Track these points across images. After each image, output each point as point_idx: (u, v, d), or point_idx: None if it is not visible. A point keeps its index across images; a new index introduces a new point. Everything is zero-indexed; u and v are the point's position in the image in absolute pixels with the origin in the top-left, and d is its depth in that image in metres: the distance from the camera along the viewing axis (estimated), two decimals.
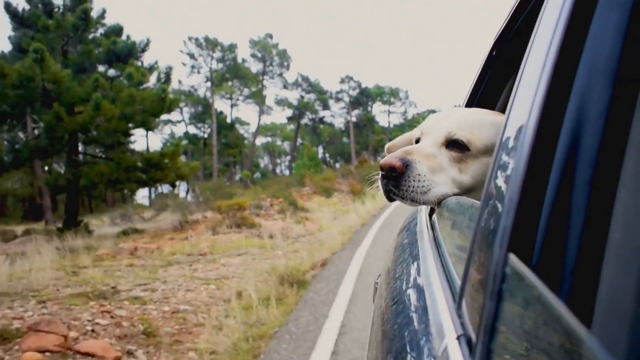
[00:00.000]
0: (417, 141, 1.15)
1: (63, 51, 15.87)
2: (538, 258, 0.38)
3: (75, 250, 9.96)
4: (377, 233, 10.04)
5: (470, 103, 1.63)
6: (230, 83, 41.28)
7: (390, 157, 1.04)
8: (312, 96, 48.38)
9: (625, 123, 0.34)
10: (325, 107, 50.09)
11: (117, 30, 16.33)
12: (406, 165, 1.02)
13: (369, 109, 51.97)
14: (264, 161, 62.02)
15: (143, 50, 17.00)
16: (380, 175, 1.06)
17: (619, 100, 0.36)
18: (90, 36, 15.97)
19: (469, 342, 0.48)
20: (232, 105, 43.80)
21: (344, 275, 6.17)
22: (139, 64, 15.59)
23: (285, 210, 13.58)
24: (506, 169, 0.50)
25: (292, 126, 51.60)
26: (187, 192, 29.88)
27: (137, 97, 13.51)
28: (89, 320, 4.43)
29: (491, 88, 1.64)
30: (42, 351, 3.70)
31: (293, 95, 50.18)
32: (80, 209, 20.38)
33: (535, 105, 0.45)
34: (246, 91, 43.68)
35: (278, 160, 62.04)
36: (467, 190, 1.04)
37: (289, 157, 54.27)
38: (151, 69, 16.41)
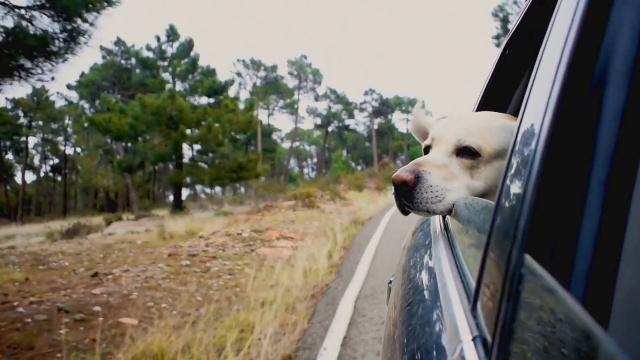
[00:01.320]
0: (427, 149, 1.15)
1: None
2: (554, 259, 0.37)
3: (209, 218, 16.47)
4: (396, 211, 16.78)
5: (482, 105, 1.61)
6: (270, 97, 48.33)
7: (401, 171, 1.04)
8: (339, 107, 55.16)
9: None
10: (350, 116, 56.77)
11: (212, 71, 23.10)
12: (417, 177, 1.02)
13: (389, 117, 58.29)
14: (290, 164, 68.80)
15: (230, 85, 23.92)
16: (393, 190, 1.07)
17: (635, 100, 0.36)
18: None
19: (484, 343, 0.47)
20: (269, 115, 50.56)
21: (379, 222, 12.60)
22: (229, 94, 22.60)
23: (333, 199, 19.89)
24: (521, 169, 0.49)
25: (318, 132, 58.13)
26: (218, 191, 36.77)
27: (233, 120, 20.03)
28: (286, 230, 10.87)
29: (503, 89, 1.62)
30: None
31: (322, 106, 57.03)
32: (143, 202, 26.85)
33: (550, 105, 0.44)
34: (281, 102, 50.41)
35: (304, 163, 68.63)
36: (479, 196, 1.02)
37: (314, 160, 60.84)
38: (235, 99, 23.27)
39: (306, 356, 3.59)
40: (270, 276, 6.00)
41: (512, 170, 0.54)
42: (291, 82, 49.86)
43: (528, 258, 0.40)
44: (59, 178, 47.00)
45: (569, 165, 0.39)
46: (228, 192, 39.08)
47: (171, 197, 31.88)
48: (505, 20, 23.19)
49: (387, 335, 1.06)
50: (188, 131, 19.36)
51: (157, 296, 5.20)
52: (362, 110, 56.85)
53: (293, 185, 29.21)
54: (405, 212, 1.09)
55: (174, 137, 20.12)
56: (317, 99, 52.93)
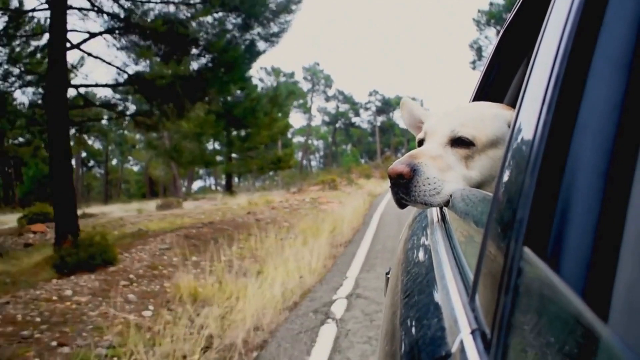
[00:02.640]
0: (421, 142, 1.14)
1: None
2: (554, 251, 0.37)
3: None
4: None
5: (479, 96, 1.60)
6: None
7: (397, 164, 1.03)
8: (346, 106, 62.02)
9: None
10: (356, 114, 63.90)
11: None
12: (414, 170, 1.01)
13: (391, 115, 65.01)
14: (297, 157, 76.48)
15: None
16: (390, 184, 1.05)
17: (634, 89, 0.35)
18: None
19: (483, 336, 0.47)
20: None
21: (385, 195, 19.57)
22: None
23: (350, 184, 26.68)
24: (520, 160, 0.49)
25: (325, 128, 64.93)
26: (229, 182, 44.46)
27: (274, 125, 26.86)
28: (328, 199, 17.78)
29: (500, 80, 1.61)
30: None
31: (331, 105, 63.94)
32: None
33: (548, 95, 0.44)
34: (295, 102, 57.26)
35: (312, 157, 75.56)
36: (476, 185, 1.03)
37: (321, 154, 67.77)
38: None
39: (363, 228, 10.56)
40: (336, 213, 12.91)
41: (510, 162, 0.53)
42: (305, 86, 56.83)
43: (527, 250, 0.40)
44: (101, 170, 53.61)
45: (567, 157, 0.39)
46: (244, 182, 46.08)
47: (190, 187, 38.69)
48: (479, 51, 29.91)
49: (384, 327, 1.04)
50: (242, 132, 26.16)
51: (286, 220, 12.09)
52: (366, 109, 63.99)
53: (309, 176, 36.09)
54: (402, 205, 1.07)
55: (231, 137, 26.88)
56: (327, 99, 59.89)
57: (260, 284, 5.17)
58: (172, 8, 9.61)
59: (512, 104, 1.31)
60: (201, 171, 54.40)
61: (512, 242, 0.43)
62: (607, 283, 0.30)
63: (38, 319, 4.72)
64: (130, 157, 52.91)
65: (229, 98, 14.38)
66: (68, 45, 8.72)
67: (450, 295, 0.64)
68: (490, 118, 1.06)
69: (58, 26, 8.45)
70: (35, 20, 9.33)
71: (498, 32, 23.48)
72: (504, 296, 0.42)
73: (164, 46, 9.33)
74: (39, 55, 9.64)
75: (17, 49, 9.26)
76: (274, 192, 27.77)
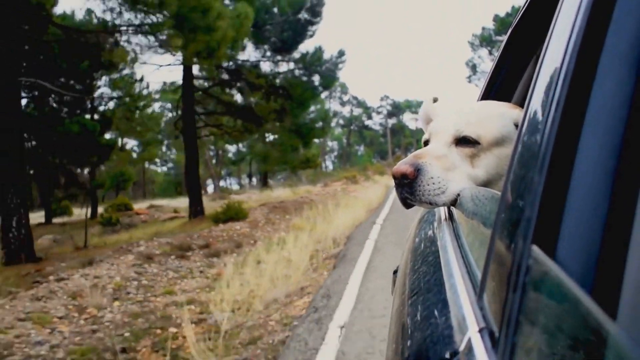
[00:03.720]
0: (427, 143, 1.14)
1: None
2: (562, 250, 0.37)
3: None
4: None
5: (486, 95, 1.61)
6: None
7: (401, 164, 1.03)
8: (359, 110, 67.44)
9: None
10: (369, 117, 69.38)
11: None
12: (418, 170, 1.01)
13: (401, 118, 70.46)
14: None
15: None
16: (395, 184, 1.05)
17: None
18: None
19: (491, 334, 0.47)
20: None
21: None
22: None
23: (367, 179, 32.19)
24: (528, 159, 0.49)
25: (340, 129, 70.54)
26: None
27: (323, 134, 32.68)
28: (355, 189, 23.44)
29: (508, 78, 1.61)
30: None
31: (346, 110, 69.44)
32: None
33: (557, 94, 0.44)
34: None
35: (326, 157, 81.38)
36: (482, 184, 1.02)
37: (335, 154, 73.43)
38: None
39: (383, 203, 16.25)
40: (363, 197, 18.54)
41: (519, 160, 0.53)
42: (323, 93, 62.51)
43: (535, 249, 0.40)
44: None
45: (575, 155, 0.38)
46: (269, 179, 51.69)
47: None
48: (474, 67, 35.24)
49: (392, 326, 1.05)
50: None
51: (330, 200, 17.74)
52: (378, 112, 69.67)
53: (328, 174, 41.73)
54: (407, 205, 1.07)
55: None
56: (342, 104, 65.55)
57: (332, 223, 10.88)
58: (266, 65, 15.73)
59: (520, 103, 1.32)
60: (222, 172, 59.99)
61: (520, 241, 0.43)
62: (616, 281, 0.30)
63: (235, 237, 10.47)
64: (157, 160, 58.86)
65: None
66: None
67: (458, 294, 0.64)
68: (495, 116, 1.06)
69: (188, 78, 14.31)
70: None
71: (490, 52, 29.43)
72: (511, 294, 0.42)
73: (262, 91, 15.24)
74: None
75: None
76: (301, 187, 33.47)
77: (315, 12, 18.30)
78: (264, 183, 35.56)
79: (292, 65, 18.06)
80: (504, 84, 1.61)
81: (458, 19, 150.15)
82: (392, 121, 70.63)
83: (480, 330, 0.50)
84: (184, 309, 4.96)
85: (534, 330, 0.38)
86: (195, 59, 10.90)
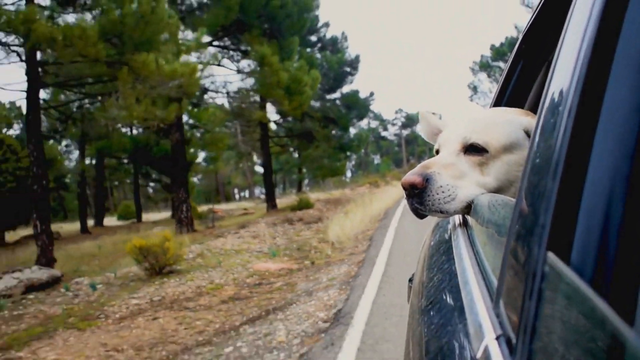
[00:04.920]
0: (438, 153, 1.14)
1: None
2: (578, 256, 0.37)
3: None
4: None
5: (499, 101, 1.61)
6: None
7: (409, 175, 1.04)
8: (376, 122, 73.77)
9: None
10: (385, 129, 75.56)
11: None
12: (427, 179, 1.02)
13: (414, 128, 76.46)
14: None
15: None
16: (405, 194, 1.06)
17: None
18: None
19: (508, 341, 0.47)
20: None
21: None
22: None
23: (387, 184, 38.20)
24: (542, 165, 0.49)
25: None
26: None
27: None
28: (377, 191, 29.63)
29: (520, 85, 1.61)
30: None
31: (363, 122, 76.05)
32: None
33: (570, 100, 0.44)
34: None
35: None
36: (492, 191, 1.02)
37: (352, 163, 79.83)
38: None
39: (402, 199, 22.40)
40: (387, 196, 24.65)
41: (533, 167, 0.53)
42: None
43: (551, 255, 0.40)
44: None
45: (590, 161, 0.38)
46: (291, 188, 57.96)
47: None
48: (475, 89, 41.23)
49: (409, 333, 1.04)
50: None
51: (363, 198, 23.96)
52: (393, 124, 76.15)
53: (349, 181, 48.00)
54: (419, 216, 1.07)
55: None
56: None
57: (371, 208, 17.09)
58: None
59: (533, 109, 1.31)
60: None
61: (535, 247, 0.43)
62: (632, 286, 0.30)
63: (314, 215, 16.79)
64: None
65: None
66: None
67: (475, 301, 0.64)
68: (502, 123, 1.05)
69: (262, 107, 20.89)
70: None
71: (488, 75, 36.62)
72: (528, 301, 0.42)
73: (321, 122, 21.74)
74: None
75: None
76: (332, 191, 39.41)
77: (354, 67, 27.93)
78: (299, 189, 41.92)
79: (338, 102, 25.66)
80: (516, 90, 1.61)
81: (462, 46, 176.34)
82: (406, 132, 76.96)
83: (497, 338, 0.50)
84: (315, 238, 11.28)
85: (551, 336, 0.38)
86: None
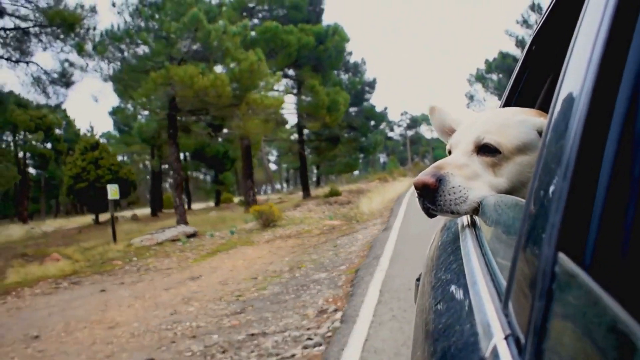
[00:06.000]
0: (450, 152, 1.14)
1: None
2: (589, 256, 0.37)
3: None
4: None
5: (509, 101, 1.60)
6: None
7: (422, 175, 1.04)
8: (382, 124, 79.74)
9: None
10: (391, 129, 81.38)
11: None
12: (439, 180, 1.02)
13: (418, 129, 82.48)
14: None
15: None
16: (417, 194, 1.06)
17: None
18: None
19: (517, 341, 0.47)
20: None
21: None
22: None
23: (394, 180, 44.05)
24: (553, 165, 0.49)
25: None
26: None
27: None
28: (387, 185, 35.68)
29: (531, 84, 1.60)
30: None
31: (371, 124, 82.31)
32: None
33: (581, 100, 0.44)
34: None
35: None
36: (504, 192, 1.02)
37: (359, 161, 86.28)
38: None
39: (408, 190, 28.53)
40: (396, 188, 30.68)
41: (544, 167, 0.53)
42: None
43: (562, 256, 0.39)
44: None
45: (602, 161, 0.38)
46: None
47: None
48: (472, 98, 47.10)
49: (416, 333, 1.05)
50: None
51: (376, 189, 30.04)
52: (399, 126, 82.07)
53: (359, 177, 54.06)
54: (430, 215, 1.08)
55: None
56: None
57: (385, 195, 23.17)
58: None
59: (544, 109, 1.31)
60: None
61: (545, 247, 0.43)
62: None
63: (345, 199, 22.97)
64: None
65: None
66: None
67: (483, 301, 0.64)
68: (515, 124, 1.05)
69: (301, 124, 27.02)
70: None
71: (483, 85, 43.82)
72: (538, 301, 0.42)
73: (345, 129, 28.44)
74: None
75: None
76: (347, 186, 45.28)
77: (372, 86, 36.67)
78: (317, 183, 47.97)
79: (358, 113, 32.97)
80: (527, 89, 1.59)
81: (460, 57, 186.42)
82: (410, 132, 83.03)
83: (506, 337, 0.49)
84: (352, 212, 17.51)
85: (560, 337, 0.38)
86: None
